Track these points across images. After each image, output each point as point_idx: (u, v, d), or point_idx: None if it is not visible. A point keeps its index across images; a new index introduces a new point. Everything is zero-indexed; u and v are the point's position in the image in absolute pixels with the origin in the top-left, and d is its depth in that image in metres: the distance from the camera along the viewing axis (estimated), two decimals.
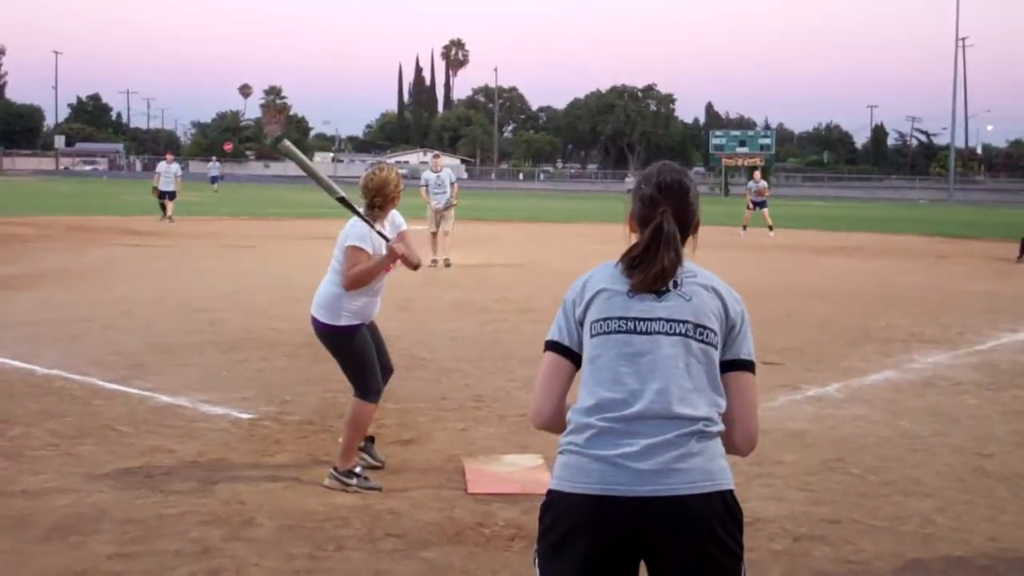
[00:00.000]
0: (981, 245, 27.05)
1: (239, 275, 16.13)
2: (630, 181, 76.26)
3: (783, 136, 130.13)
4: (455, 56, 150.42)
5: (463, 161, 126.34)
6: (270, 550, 4.75)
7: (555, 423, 2.69)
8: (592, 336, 2.62)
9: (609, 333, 2.59)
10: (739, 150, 77.37)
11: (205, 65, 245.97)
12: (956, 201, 69.88)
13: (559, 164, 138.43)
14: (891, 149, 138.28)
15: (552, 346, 2.70)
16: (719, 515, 2.50)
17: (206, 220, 29.57)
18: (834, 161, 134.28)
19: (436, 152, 18.82)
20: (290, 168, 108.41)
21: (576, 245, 23.75)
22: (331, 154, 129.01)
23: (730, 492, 2.54)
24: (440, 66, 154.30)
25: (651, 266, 2.62)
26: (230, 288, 14.36)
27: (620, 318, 2.59)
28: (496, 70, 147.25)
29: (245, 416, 7.20)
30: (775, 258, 22.09)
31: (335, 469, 5.72)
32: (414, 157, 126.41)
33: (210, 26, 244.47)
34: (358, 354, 5.86)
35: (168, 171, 28.30)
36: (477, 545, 4.88)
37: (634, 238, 2.73)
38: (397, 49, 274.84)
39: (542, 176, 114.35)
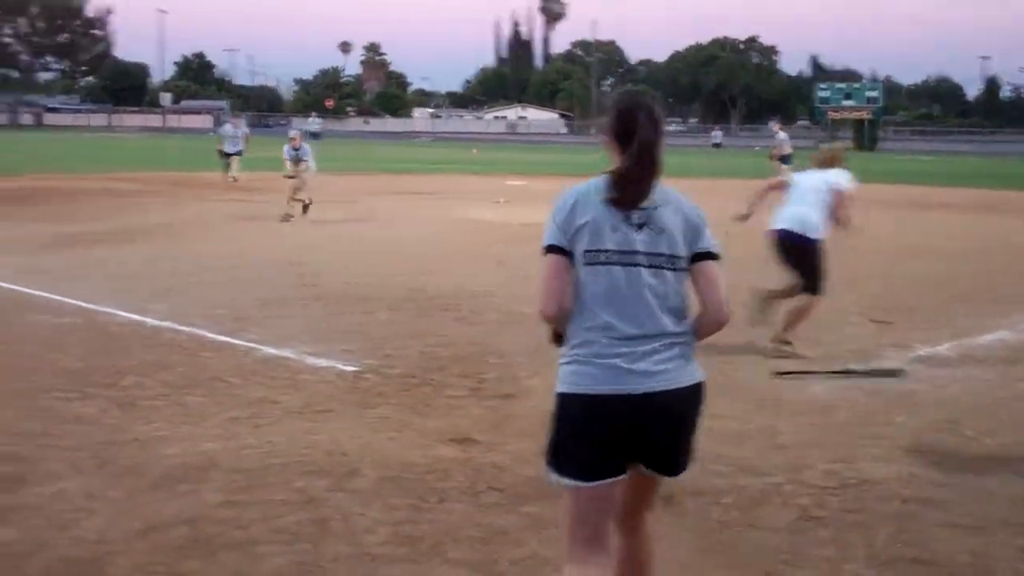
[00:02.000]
0: None
1: (341, 232, 16.28)
2: (717, 135, 75.14)
3: (891, 89, 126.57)
4: (553, 10, 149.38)
5: (562, 115, 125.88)
6: (373, 501, 4.78)
7: (562, 316, 3.18)
8: (585, 264, 3.12)
9: (599, 264, 3.10)
10: (845, 103, 75.46)
11: (307, 23, 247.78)
12: None
13: None
14: (1005, 102, 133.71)
15: (551, 248, 3.18)
16: (697, 401, 3.20)
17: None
18: (944, 115, 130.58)
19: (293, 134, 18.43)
20: (389, 124, 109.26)
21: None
22: (429, 110, 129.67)
23: (703, 383, 3.21)
24: (538, 20, 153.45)
25: (639, 181, 3.12)
26: (330, 243, 14.52)
27: (607, 250, 3.09)
28: (595, 23, 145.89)
29: (349, 368, 7.26)
30: (884, 215, 21.55)
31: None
32: (512, 112, 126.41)
33: None
34: (823, 261, 7.96)
35: (235, 134, 28.33)
36: None
37: (614, 156, 3.18)
38: (495, 3, 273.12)
39: None
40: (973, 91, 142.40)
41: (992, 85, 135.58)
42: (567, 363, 3.16)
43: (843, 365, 7.43)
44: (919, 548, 4.39)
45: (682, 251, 3.14)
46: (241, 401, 6.40)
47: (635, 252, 3.09)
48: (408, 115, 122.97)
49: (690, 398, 3.17)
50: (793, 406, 6.53)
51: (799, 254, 8.07)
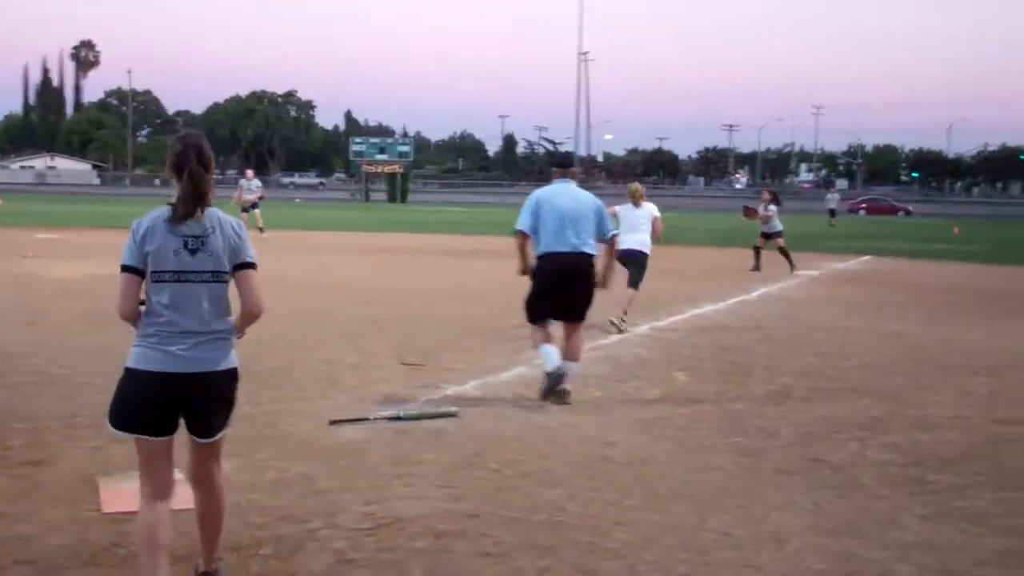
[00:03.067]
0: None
1: None
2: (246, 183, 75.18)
3: (421, 144, 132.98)
4: (85, 57, 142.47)
5: (95, 166, 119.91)
6: None
7: (134, 318, 4.13)
8: (152, 281, 4.06)
9: (163, 282, 4.05)
10: (379, 157, 78.09)
11: None
12: None
13: None
14: (520, 157, 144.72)
15: (126, 268, 4.07)
16: (228, 381, 4.22)
17: None
18: (469, 168, 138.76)
19: None
20: None
21: None
22: None
23: (236, 368, 4.25)
24: (69, 67, 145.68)
25: (190, 204, 4.04)
26: None
27: (169, 271, 4.04)
28: (130, 72, 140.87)
29: None
30: (412, 261, 22.56)
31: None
32: (40, 161, 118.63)
33: None
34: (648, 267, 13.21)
35: None
36: (112, 567, 4.66)
37: (175, 182, 4.10)
38: (22, 48, 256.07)
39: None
40: (494, 147, 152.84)
41: (510, 142, 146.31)
42: (137, 347, 4.12)
43: (396, 411, 7.67)
44: None
45: (226, 267, 4.11)
46: None
47: (189, 271, 4.04)
48: None
49: (223, 379, 4.17)
50: (328, 451, 6.67)
51: (641, 263, 13.05)
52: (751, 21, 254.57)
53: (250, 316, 4.26)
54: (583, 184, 10.05)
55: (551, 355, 8.40)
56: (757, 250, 22.26)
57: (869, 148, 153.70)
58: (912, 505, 5.86)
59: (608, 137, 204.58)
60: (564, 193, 8.63)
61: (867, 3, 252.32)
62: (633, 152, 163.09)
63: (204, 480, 4.34)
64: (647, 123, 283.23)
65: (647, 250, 13.09)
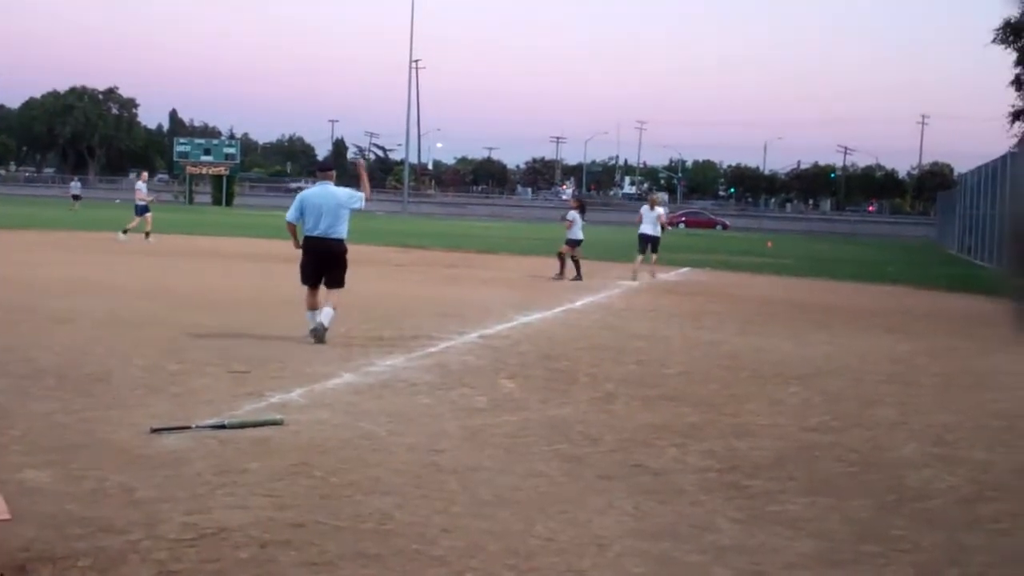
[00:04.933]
0: (433, 254, 28.96)
1: None
2: (75, 186, 72.55)
3: (248, 146, 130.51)
4: None
5: None
6: None
7: None
8: None
9: None
10: (204, 158, 76.37)
11: None
12: (410, 213, 73.96)
13: (12, 167, 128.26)
14: (350, 162, 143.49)
15: None
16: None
17: None
18: (297, 172, 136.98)
19: None
20: None
21: (26, 255, 22.16)
22: None
23: None
24: None
25: None
26: None
27: None
28: None
29: None
30: (236, 267, 22.14)
31: None
32: None
33: None
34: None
35: None
36: None
37: None
38: None
39: None
40: (323, 151, 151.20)
41: (339, 146, 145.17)
42: None
43: (220, 419, 7.51)
44: None
45: None
46: None
47: None
48: None
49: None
50: (149, 460, 6.49)
51: (656, 242, 23.76)
52: (579, 35, 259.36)
53: None
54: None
55: (313, 317, 11.53)
56: (561, 257, 22.69)
57: (689, 163, 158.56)
58: (728, 509, 6.08)
59: (439, 145, 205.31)
60: (321, 191, 11.89)
61: (689, 27, 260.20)
62: (463, 161, 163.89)
63: None
64: (477, 133, 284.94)
65: (659, 234, 23.82)
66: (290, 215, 11.89)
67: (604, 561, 5.14)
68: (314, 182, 12.51)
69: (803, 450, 7.66)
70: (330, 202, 11.68)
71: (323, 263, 11.74)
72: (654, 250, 23.71)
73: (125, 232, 28.56)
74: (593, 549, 5.30)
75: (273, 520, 5.48)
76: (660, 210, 24.34)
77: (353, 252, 12.12)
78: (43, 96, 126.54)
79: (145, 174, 32.10)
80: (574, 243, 22.64)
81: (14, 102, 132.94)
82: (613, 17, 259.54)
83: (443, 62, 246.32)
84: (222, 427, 7.36)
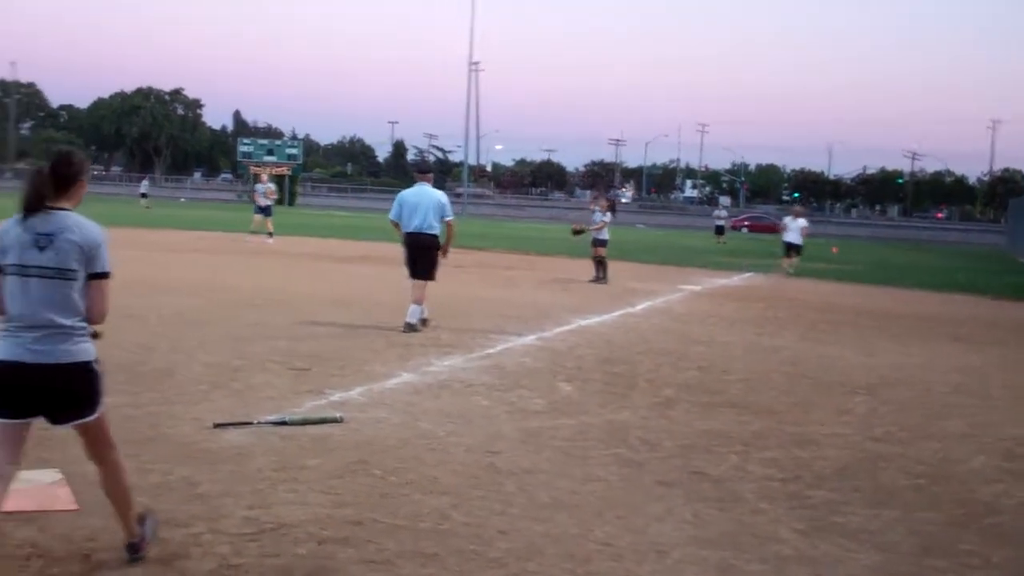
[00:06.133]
0: (491, 256, 28.99)
1: None
2: (144, 184, 73.67)
3: (310, 147, 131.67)
4: None
5: None
6: None
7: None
8: (5, 274, 4.37)
9: (10, 275, 4.34)
10: (267, 159, 77.16)
11: None
12: (469, 215, 74.14)
13: None
14: (410, 163, 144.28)
15: None
16: (71, 372, 4.40)
17: None
18: (358, 173, 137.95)
19: None
20: None
21: None
22: None
23: (86, 361, 4.43)
24: None
25: (29, 208, 4.38)
26: None
27: (14, 264, 4.33)
28: (14, 64, 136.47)
29: None
30: (299, 265, 22.32)
31: None
32: None
33: None
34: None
35: None
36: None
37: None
38: None
39: None
40: (384, 152, 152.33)
41: (399, 148, 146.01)
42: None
43: (280, 416, 7.57)
44: None
45: (74, 266, 4.33)
46: None
47: (34, 266, 4.30)
48: None
49: (67, 370, 4.35)
50: (212, 455, 6.56)
51: (798, 249, 27.67)
52: (641, 36, 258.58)
53: (91, 322, 4.46)
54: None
55: (412, 312, 12.58)
56: (599, 259, 22.45)
57: (752, 167, 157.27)
58: (790, 519, 6.00)
59: (498, 147, 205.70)
60: (419, 191, 12.96)
61: (754, 24, 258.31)
62: (522, 163, 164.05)
63: (97, 460, 4.64)
64: (536, 134, 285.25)
65: (800, 242, 27.69)
66: (391, 214, 13.13)
67: (662, 568, 5.09)
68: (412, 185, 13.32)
69: (868, 461, 7.53)
70: (425, 201, 12.82)
71: (417, 256, 12.82)
72: (797, 254, 27.64)
73: (271, 235, 29.59)
74: (652, 555, 5.25)
75: (332, 517, 5.50)
76: (802, 221, 27.95)
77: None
78: (111, 97, 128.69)
79: (264, 177, 33.52)
80: (602, 243, 22.40)
81: (84, 103, 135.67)
82: (674, 18, 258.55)
83: (503, 63, 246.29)
84: (283, 423, 7.42)
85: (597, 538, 5.45)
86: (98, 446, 4.60)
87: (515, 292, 18.88)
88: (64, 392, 4.38)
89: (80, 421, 4.47)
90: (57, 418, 4.44)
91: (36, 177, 4.41)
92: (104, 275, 4.43)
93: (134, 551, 4.69)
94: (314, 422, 7.53)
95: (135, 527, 4.73)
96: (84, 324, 4.40)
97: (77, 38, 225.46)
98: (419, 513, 5.67)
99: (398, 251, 13.32)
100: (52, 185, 4.41)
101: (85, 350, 4.41)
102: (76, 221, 4.40)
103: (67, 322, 4.32)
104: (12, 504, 5.28)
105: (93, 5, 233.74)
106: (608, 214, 22.97)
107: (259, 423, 7.38)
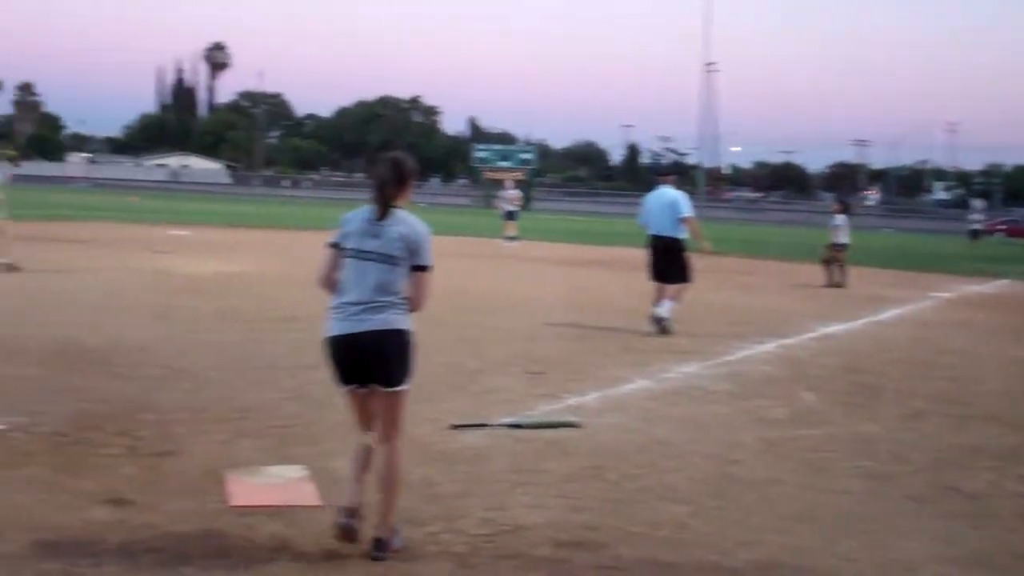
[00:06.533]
0: (728, 261, 28.52)
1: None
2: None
3: (544, 152, 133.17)
4: (217, 59, 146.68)
5: (228, 165, 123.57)
6: (23, 566, 4.52)
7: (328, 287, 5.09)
8: (344, 257, 4.98)
9: (348, 258, 4.95)
10: (502, 164, 78.58)
11: None
12: (705, 218, 73.24)
13: (321, 172, 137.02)
14: (644, 167, 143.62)
15: (329, 245, 5.10)
16: (387, 339, 4.95)
17: None
18: (591, 177, 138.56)
19: None
20: (45, 168, 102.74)
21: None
22: (85, 155, 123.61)
23: (400, 329, 4.98)
24: (202, 69, 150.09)
25: (379, 205, 4.97)
26: None
27: (353, 249, 4.94)
28: (261, 74, 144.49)
29: None
30: (534, 269, 22.61)
31: None
32: (174, 160, 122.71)
33: None
34: None
35: None
36: (240, 559, 4.77)
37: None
38: (157, 49, 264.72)
39: (307, 184, 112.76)
40: (617, 156, 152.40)
41: (633, 151, 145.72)
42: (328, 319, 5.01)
43: (516, 419, 7.69)
44: None
45: (400, 254, 4.89)
46: None
47: (366, 252, 4.89)
48: (60, 159, 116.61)
49: (385, 336, 4.89)
50: (449, 455, 6.72)
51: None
52: (883, 34, 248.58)
53: (412, 310, 5.04)
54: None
55: (655, 310, 12.67)
56: (827, 263, 21.69)
57: (1008, 167, 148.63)
58: None
59: (735, 149, 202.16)
60: (659, 194, 13.06)
61: (1009, 20, 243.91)
62: (761, 165, 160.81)
63: (383, 438, 4.99)
64: (775, 135, 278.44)
65: None
66: (639, 219, 13.47)
67: None
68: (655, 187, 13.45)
69: None
70: (662, 203, 12.92)
71: (659, 259, 12.87)
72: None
73: (514, 239, 30.81)
74: (898, 572, 5.05)
75: (568, 521, 5.53)
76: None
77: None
78: (353, 105, 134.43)
79: (510, 182, 36.55)
80: (840, 247, 21.71)
81: (327, 111, 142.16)
82: (916, 12, 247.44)
83: (740, 62, 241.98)
84: (518, 427, 7.52)
85: (841, 552, 5.27)
86: (389, 424, 4.98)
87: (753, 298, 18.50)
88: (381, 357, 4.88)
89: (392, 388, 4.94)
90: (379, 382, 4.94)
91: (385, 183, 4.97)
92: (425, 268, 4.97)
93: (379, 548, 4.83)
94: (549, 426, 7.60)
95: (391, 523, 4.92)
96: (403, 302, 4.95)
97: (320, 48, 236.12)
98: (656, 521, 5.63)
99: (632, 255, 13.28)
100: (394, 186, 4.97)
101: (402, 320, 4.95)
102: (405, 217, 4.97)
103: (388, 299, 4.88)
104: (259, 498, 5.60)
105: (334, 16, 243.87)
106: (841, 217, 22.28)
107: (495, 425, 7.51)
